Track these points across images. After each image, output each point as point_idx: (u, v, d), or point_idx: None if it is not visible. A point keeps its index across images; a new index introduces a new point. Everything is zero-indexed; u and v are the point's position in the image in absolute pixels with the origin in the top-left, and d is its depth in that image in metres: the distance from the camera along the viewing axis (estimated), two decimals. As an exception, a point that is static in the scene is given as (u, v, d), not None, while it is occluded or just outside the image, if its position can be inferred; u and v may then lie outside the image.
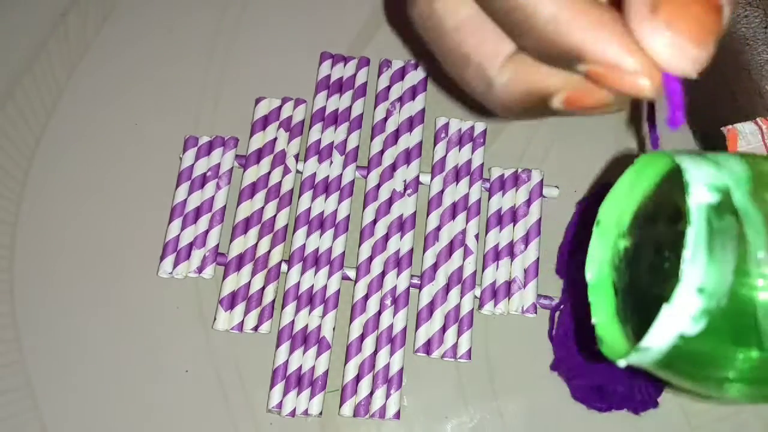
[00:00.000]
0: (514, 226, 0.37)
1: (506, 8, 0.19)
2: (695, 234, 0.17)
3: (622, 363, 0.19)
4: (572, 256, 0.35)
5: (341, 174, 0.37)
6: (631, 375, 0.32)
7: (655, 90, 0.17)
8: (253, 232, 0.36)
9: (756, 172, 0.18)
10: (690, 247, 0.17)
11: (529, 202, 0.37)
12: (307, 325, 0.34)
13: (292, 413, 0.33)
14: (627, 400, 0.33)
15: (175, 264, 0.35)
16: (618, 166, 0.39)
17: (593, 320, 0.21)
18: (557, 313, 0.35)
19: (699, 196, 0.17)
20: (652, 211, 0.21)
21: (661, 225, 0.21)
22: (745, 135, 0.32)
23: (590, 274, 0.22)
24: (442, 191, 0.37)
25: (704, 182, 0.18)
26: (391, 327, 0.34)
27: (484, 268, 0.36)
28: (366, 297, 0.35)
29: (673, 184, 0.20)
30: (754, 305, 0.18)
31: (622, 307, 0.22)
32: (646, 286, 0.21)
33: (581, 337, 0.33)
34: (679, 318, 0.17)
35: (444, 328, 0.35)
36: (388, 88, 0.39)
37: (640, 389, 0.32)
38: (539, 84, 0.20)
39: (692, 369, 0.19)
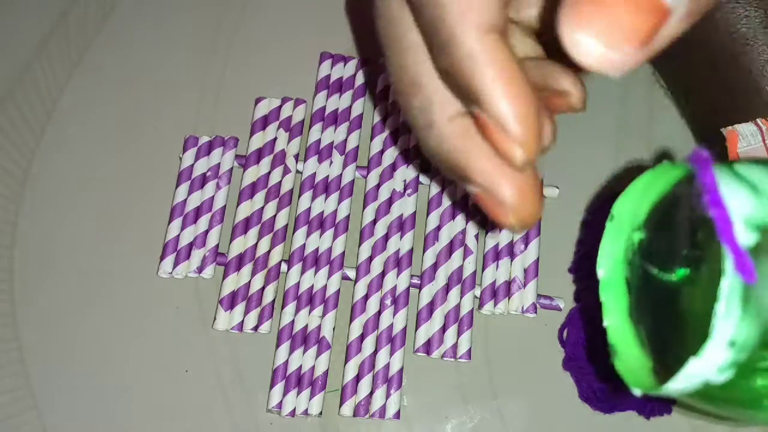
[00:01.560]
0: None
1: (435, 20, 0.18)
2: (729, 285, 0.16)
3: (637, 392, 0.18)
4: (588, 258, 0.35)
5: (341, 174, 0.37)
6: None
7: (525, 163, 0.18)
8: (253, 232, 0.36)
9: None
10: (723, 300, 0.16)
11: (529, 202, 0.37)
12: (307, 325, 0.34)
13: (292, 413, 0.33)
14: (642, 405, 0.33)
15: (175, 264, 0.35)
16: (618, 166, 0.39)
17: (605, 323, 0.20)
18: (568, 311, 0.35)
19: (738, 238, 0.16)
20: (670, 204, 0.20)
21: (680, 217, 0.20)
22: (746, 136, 0.32)
23: (602, 270, 0.21)
24: (442, 191, 0.37)
25: (742, 217, 0.16)
26: (391, 327, 0.34)
27: (484, 268, 0.36)
28: (366, 297, 0.35)
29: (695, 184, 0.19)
30: None
31: (635, 306, 0.21)
32: (660, 282, 0.20)
33: (593, 352, 0.33)
34: (705, 369, 0.16)
35: (444, 328, 0.35)
36: (388, 88, 0.39)
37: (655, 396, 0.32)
38: (468, 163, 0.19)
39: (715, 407, 0.18)
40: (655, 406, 0.33)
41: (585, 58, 0.15)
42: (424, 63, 0.20)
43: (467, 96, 0.18)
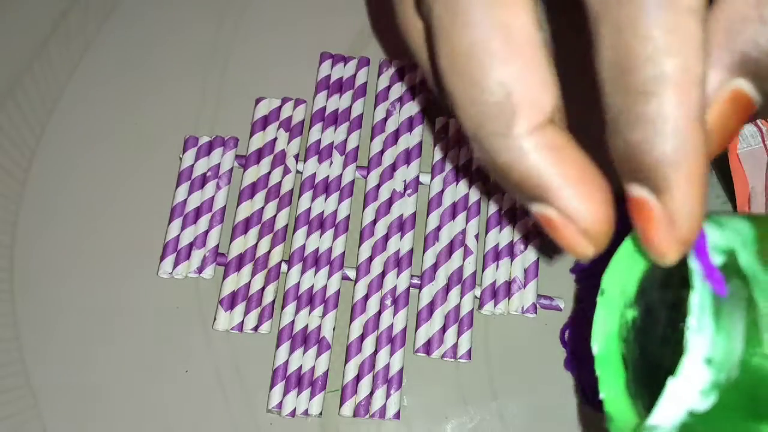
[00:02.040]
0: (514, 226, 0.37)
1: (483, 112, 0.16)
2: (699, 299, 0.16)
3: None
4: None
5: (341, 174, 0.37)
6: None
7: (590, 256, 0.17)
8: (253, 232, 0.36)
9: (762, 232, 0.17)
10: (695, 314, 0.16)
11: (529, 202, 0.37)
12: (307, 325, 0.34)
13: (292, 413, 0.33)
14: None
15: (175, 264, 0.35)
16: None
17: (601, 395, 0.20)
18: (570, 312, 0.35)
19: (706, 258, 0.16)
20: (660, 276, 0.20)
21: (670, 291, 0.19)
22: (745, 137, 0.32)
23: (596, 347, 0.20)
24: (442, 191, 0.37)
25: (711, 243, 0.16)
26: (391, 327, 0.34)
27: (484, 268, 0.36)
28: (366, 297, 0.35)
29: None
30: (766, 375, 0.16)
31: (632, 381, 0.20)
32: (657, 359, 0.19)
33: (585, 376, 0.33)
34: (686, 392, 0.16)
35: (444, 328, 0.35)
36: (388, 88, 0.39)
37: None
38: (546, 180, 0.17)
39: None
40: None
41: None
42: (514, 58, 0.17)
43: (641, 175, 0.16)
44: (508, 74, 0.16)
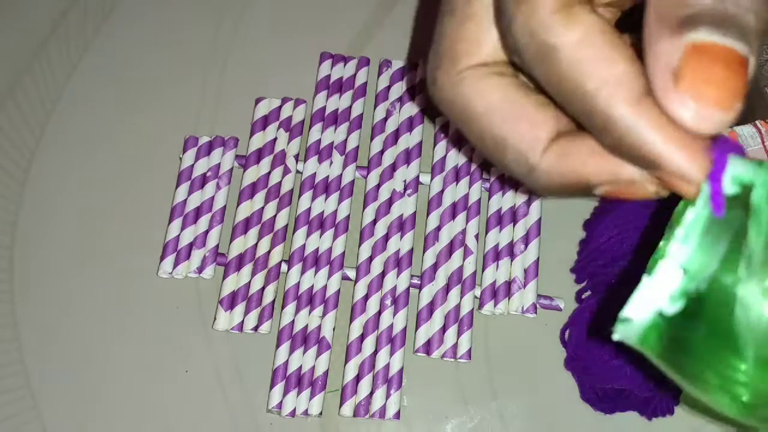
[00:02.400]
0: (514, 226, 0.37)
1: (583, 109, 0.19)
2: (694, 216, 0.17)
3: (615, 336, 0.18)
4: (591, 259, 0.35)
5: (341, 174, 0.37)
6: (652, 380, 0.32)
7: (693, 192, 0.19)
8: (253, 232, 0.36)
9: None
10: (684, 225, 0.17)
11: (529, 202, 0.37)
12: (307, 325, 0.34)
13: (292, 413, 0.33)
14: (644, 405, 0.33)
15: (175, 264, 0.35)
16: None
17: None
18: (570, 311, 0.35)
19: (719, 185, 0.17)
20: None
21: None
22: (745, 138, 0.32)
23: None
24: (442, 191, 0.37)
25: (732, 173, 0.17)
26: (391, 327, 0.34)
27: (484, 268, 0.36)
28: (366, 297, 0.35)
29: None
30: (733, 297, 0.17)
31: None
32: None
33: (597, 352, 0.33)
34: (658, 292, 0.17)
35: (444, 328, 0.35)
36: (388, 88, 0.39)
37: (660, 396, 0.32)
38: (582, 175, 0.20)
39: (676, 360, 0.19)
40: (658, 406, 0.33)
41: (700, 124, 0.17)
42: (503, 124, 0.20)
43: (643, 164, 0.19)
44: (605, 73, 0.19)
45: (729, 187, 0.17)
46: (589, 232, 0.36)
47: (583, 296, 0.35)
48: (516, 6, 0.19)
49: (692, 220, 0.17)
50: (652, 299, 0.18)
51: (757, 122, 0.32)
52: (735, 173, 0.17)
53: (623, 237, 0.34)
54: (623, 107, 0.18)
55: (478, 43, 0.21)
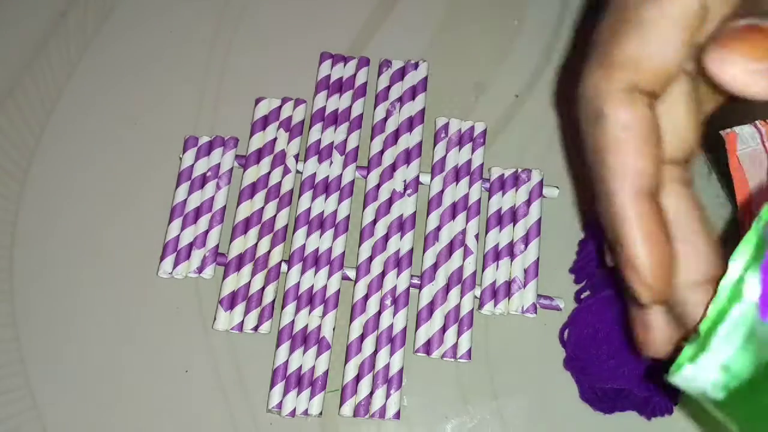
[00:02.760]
0: (514, 226, 0.37)
1: (602, 176, 0.22)
2: (742, 312, 0.16)
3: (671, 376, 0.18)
4: (590, 259, 0.35)
5: (341, 174, 0.37)
6: (650, 380, 0.32)
7: (647, 302, 0.21)
8: (253, 232, 0.36)
9: None
10: (728, 322, 0.16)
11: (529, 202, 0.37)
12: (307, 325, 0.34)
13: (292, 413, 0.33)
14: (643, 405, 0.33)
15: (175, 264, 0.35)
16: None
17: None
18: (570, 311, 0.35)
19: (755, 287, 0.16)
20: None
21: None
22: (745, 138, 0.32)
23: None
24: (442, 191, 0.37)
25: None
26: (391, 327, 0.35)
27: (484, 268, 0.36)
28: (366, 297, 0.35)
29: None
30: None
31: None
32: None
33: (596, 352, 0.33)
34: (700, 378, 0.17)
35: (444, 328, 0.35)
36: (388, 88, 0.39)
37: (658, 395, 0.32)
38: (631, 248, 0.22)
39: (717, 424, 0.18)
40: (657, 406, 0.33)
41: (744, 86, 0.19)
42: (630, 154, 0.22)
43: (614, 237, 0.22)
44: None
45: None
46: (588, 232, 0.36)
47: (582, 296, 0.35)
48: (598, 67, 0.22)
49: (739, 316, 0.16)
50: (695, 380, 0.17)
51: (756, 122, 0.32)
52: None
53: None
54: (625, 193, 0.21)
55: (651, 62, 0.22)
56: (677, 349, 0.21)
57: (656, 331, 0.24)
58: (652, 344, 0.24)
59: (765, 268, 0.16)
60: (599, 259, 0.35)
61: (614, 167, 0.21)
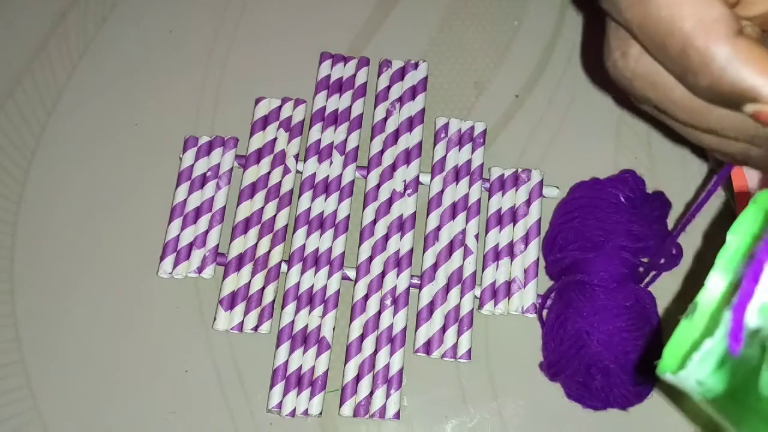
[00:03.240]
0: (514, 226, 0.37)
1: (680, 49, 0.20)
2: (711, 347, 0.17)
3: (664, 375, 0.18)
4: (561, 250, 0.35)
5: (341, 174, 0.37)
6: (607, 372, 0.32)
7: None
8: (253, 232, 0.36)
9: None
10: (701, 352, 0.17)
11: (529, 202, 0.37)
12: (307, 325, 0.34)
13: (292, 413, 0.33)
14: (624, 401, 0.33)
15: (175, 264, 0.35)
16: (618, 166, 0.39)
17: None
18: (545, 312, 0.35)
19: (746, 316, 0.16)
20: None
21: None
22: None
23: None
24: (442, 191, 0.37)
25: (761, 301, 0.16)
26: (391, 327, 0.34)
27: (484, 268, 0.36)
28: (366, 297, 0.35)
29: None
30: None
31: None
32: None
33: (571, 352, 0.33)
34: (689, 378, 0.17)
35: (444, 328, 0.35)
36: (388, 88, 0.39)
37: (618, 386, 0.32)
38: (750, 82, 0.20)
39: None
40: (622, 391, 0.33)
41: None
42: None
43: (740, 99, 0.20)
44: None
45: (753, 319, 0.16)
46: (552, 230, 0.36)
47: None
48: None
49: (708, 350, 0.17)
50: (681, 384, 0.18)
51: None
52: (764, 301, 0.16)
53: (576, 220, 0.34)
54: (722, 44, 0.19)
55: None
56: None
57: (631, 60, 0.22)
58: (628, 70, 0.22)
59: (737, 308, 0.17)
60: None
61: (692, 28, 0.19)
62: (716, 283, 0.19)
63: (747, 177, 0.33)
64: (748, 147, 0.23)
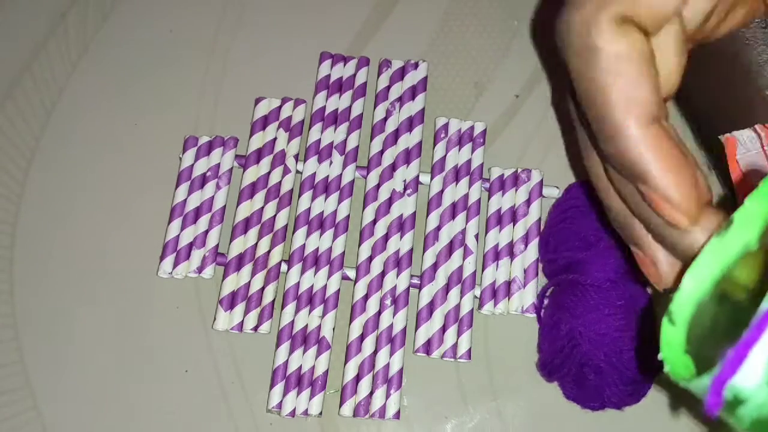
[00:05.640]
0: (513, 226, 0.37)
1: (601, 114, 0.21)
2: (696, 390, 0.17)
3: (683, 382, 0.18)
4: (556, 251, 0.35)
5: (341, 174, 0.37)
6: (599, 371, 0.32)
7: (687, 226, 0.21)
8: (253, 232, 0.36)
9: None
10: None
11: (529, 202, 0.37)
12: (307, 325, 0.34)
13: (292, 413, 0.33)
14: (619, 400, 0.33)
15: (175, 264, 0.35)
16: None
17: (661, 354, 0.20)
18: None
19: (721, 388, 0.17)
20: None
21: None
22: (744, 142, 0.32)
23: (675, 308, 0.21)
24: (442, 191, 0.37)
25: (735, 384, 0.16)
26: (391, 327, 0.34)
27: (484, 268, 0.36)
28: (366, 297, 0.35)
29: None
30: None
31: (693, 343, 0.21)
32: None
33: (568, 355, 0.33)
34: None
35: (444, 328, 0.35)
36: (388, 88, 0.39)
37: (610, 385, 0.32)
38: (646, 168, 0.21)
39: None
40: (614, 390, 0.33)
41: None
42: (626, 82, 0.22)
43: (633, 176, 0.21)
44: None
45: (728, 392, 0.17)
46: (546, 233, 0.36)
47: (547, 294, 0.35)
48: (581, 2, 0.21)
49: (695, 390, 0.17)
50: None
51: (756, 126, 0.32)
52: (736, 385, 0.17)
53: (568, 220, 0.34)
54: (634, 125, 0.20)
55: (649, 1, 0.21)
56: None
57: (663, 265, 0.23)
58: (663, 278, 0.24)
59: (717, 381, 0.17)
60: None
61: (617, 100, 0.20)
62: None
63: (740, 166, 0.33)
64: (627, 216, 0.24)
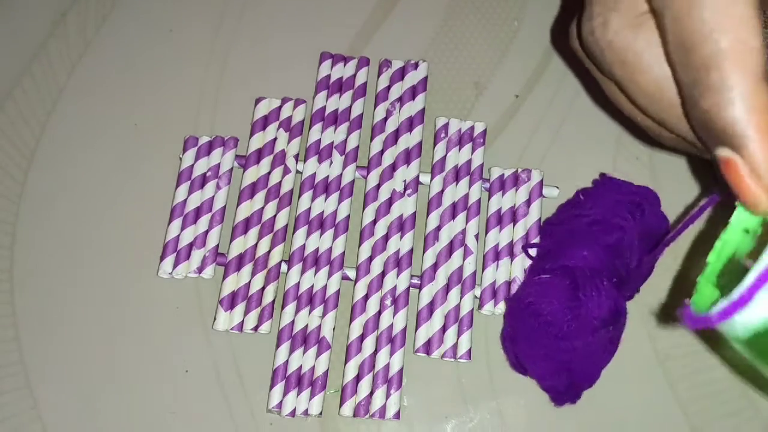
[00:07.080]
0: (514, 226, 0.37)
1: (703, 62, 0.19)
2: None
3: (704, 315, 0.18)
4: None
5: (341, 174, 0.37)
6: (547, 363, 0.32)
7: (761, 207, 0.18)
8: (253, 232, 0.36)
9: None
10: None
11: (529, 202, 0.37)
12: (307, 325, 0.34)
13: (292, 413, 0.33)
14: (570, 394, 0.33)
15: (175, 264, 0.35)
16: (618, 167, 0.39)
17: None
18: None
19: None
20: None
21: None
22: None
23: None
24: (442, 191, 0.37)
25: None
26: (391, 327, 0.35)
27: (484, 268, 0.36)
28: (366, 297, 0.35)
29: None
30: None
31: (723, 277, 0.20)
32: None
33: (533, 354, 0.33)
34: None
35: (444, 328, 0.35)
36: (388, 88, 0.39)
37: (559, 378, 0.32)
38: (729, 122, 0.19)
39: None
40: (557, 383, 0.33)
41: None
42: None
43: (721, 137, 0.18)
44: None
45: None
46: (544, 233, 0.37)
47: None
48: None
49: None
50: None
51: None
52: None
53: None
54: (746, 78, 0.18)
55: None
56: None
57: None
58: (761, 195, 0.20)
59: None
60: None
61: (732, 41, 0.18)
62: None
63: None
64: (678, 140, 0.23)
